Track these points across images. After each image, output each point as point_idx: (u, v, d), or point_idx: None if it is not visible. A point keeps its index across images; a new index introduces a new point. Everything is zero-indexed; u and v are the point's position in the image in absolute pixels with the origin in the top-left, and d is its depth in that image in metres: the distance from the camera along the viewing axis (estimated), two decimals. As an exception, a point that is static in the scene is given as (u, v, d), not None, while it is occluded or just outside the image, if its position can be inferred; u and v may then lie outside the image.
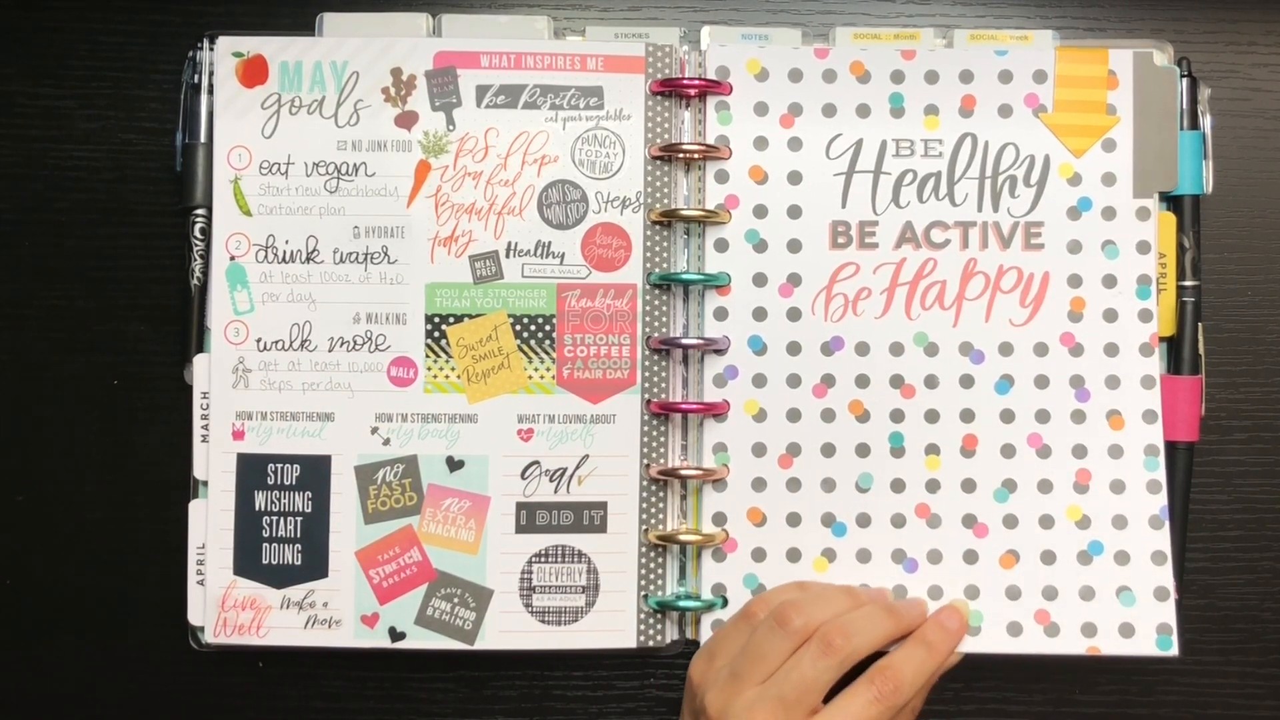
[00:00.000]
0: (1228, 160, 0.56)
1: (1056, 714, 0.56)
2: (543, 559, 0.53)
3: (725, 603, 0.53)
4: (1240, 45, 0.57)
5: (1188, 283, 0.54)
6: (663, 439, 0.54)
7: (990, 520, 0.53)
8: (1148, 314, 0.54)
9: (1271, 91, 0.57)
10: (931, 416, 0.54)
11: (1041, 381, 0.54)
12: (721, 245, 0.54)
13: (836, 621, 0.49)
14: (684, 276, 0.54)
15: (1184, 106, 0.54)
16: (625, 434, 0.54)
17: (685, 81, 0.54)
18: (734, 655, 0.49)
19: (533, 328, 0.54)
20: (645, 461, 0.54)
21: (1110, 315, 0.54)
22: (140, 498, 0.56)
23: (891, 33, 0.55)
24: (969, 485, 0.53)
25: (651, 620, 0.54)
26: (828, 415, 0.54)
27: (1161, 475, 0.53)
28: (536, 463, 0.54)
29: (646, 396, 0.54)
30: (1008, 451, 0.53)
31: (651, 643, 0.53)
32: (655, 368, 0.54)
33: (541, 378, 0.54)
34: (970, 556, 0.53)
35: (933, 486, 0.53)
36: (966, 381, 0.54)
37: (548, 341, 0.54)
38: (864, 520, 0.53)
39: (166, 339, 0.56)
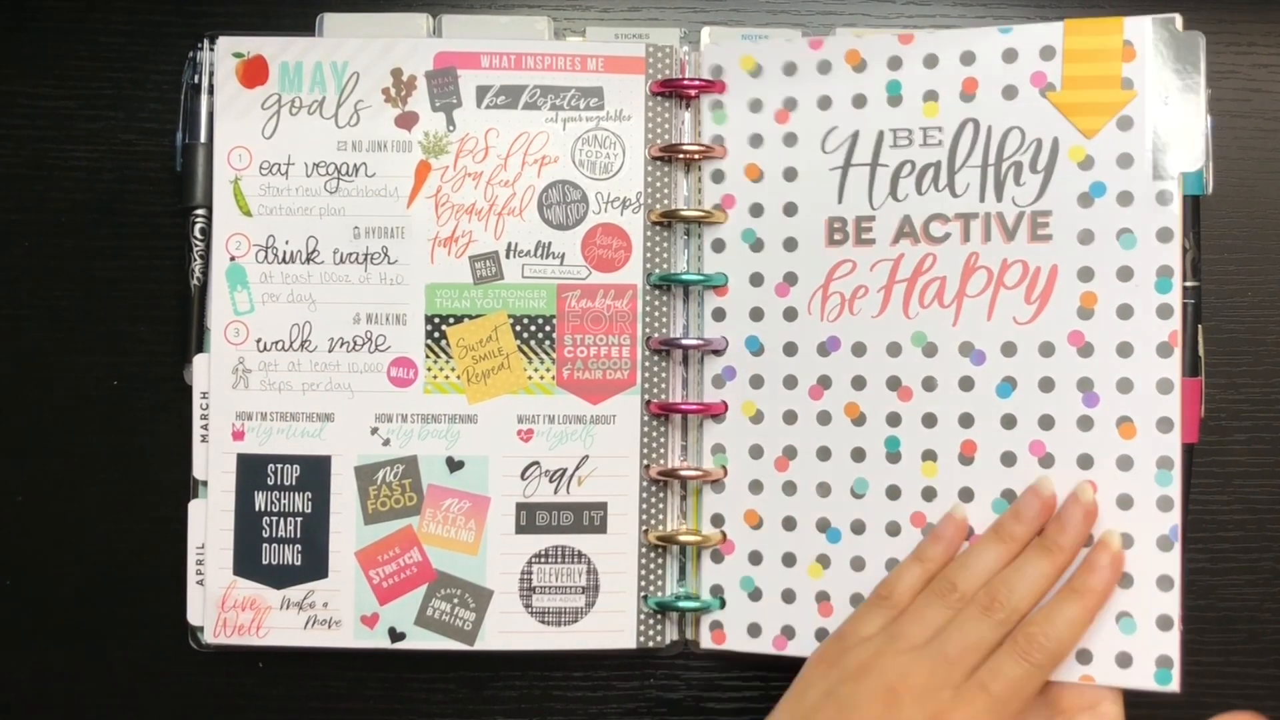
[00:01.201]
0: (1228, 160, 0.56)
1: (1056, 714, 0.56)
2: (542, 559, 0.53)
3: (723, 604, 0.53)
4: (1240, 45, 0.57)
5: (1188, 283, 0.54)
6: (663, 440, 0.54)
7: None
8: (1167, 309, 0.50)
9: (1271, 92, 0.57)
10: (929, 420, 0.52)
11: (1046, 384, 0.50)
12: (719, 245, 0.54)
13: (1000, 578, 0.48)
14: (682, 277, 0.54)
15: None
16: (625, 434, 0.54)
17: (685, 82, 0.54)
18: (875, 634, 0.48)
19: (533, 328, 0.54)
20: (645, 462, 0.54)
21: (1125, 311, 0.50)
22: (140, 498, 0.56)
23: (892, 33, 0.55)
24: (967, 494, 0.51)
25: (651, 621, 0.54)
26: (824, 418, 0.53)
27: (1174, 491, 0.49)
28: (536, 463, 0.54)
29: (646, 397, 0.54)
30: (1008, 459, 0.51)
31: (651, 643, 0.53)
32: (655, 368, 0.54)
33: (541, 378, 0.54)
34: None
35: (929, 494, 0.52)
36: (966, 384, 0.51)
37: (548, 342, 0.54)
38: (858, 527, 0.52)
39: (166, 339, 0.56)
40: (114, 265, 0.56)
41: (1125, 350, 0.50)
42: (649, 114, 0.54)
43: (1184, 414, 0.52)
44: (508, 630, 0.53)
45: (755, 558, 0.53)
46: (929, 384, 0.52)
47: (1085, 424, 0.50)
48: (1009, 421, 0.51)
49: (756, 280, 0.53)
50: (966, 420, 0.51)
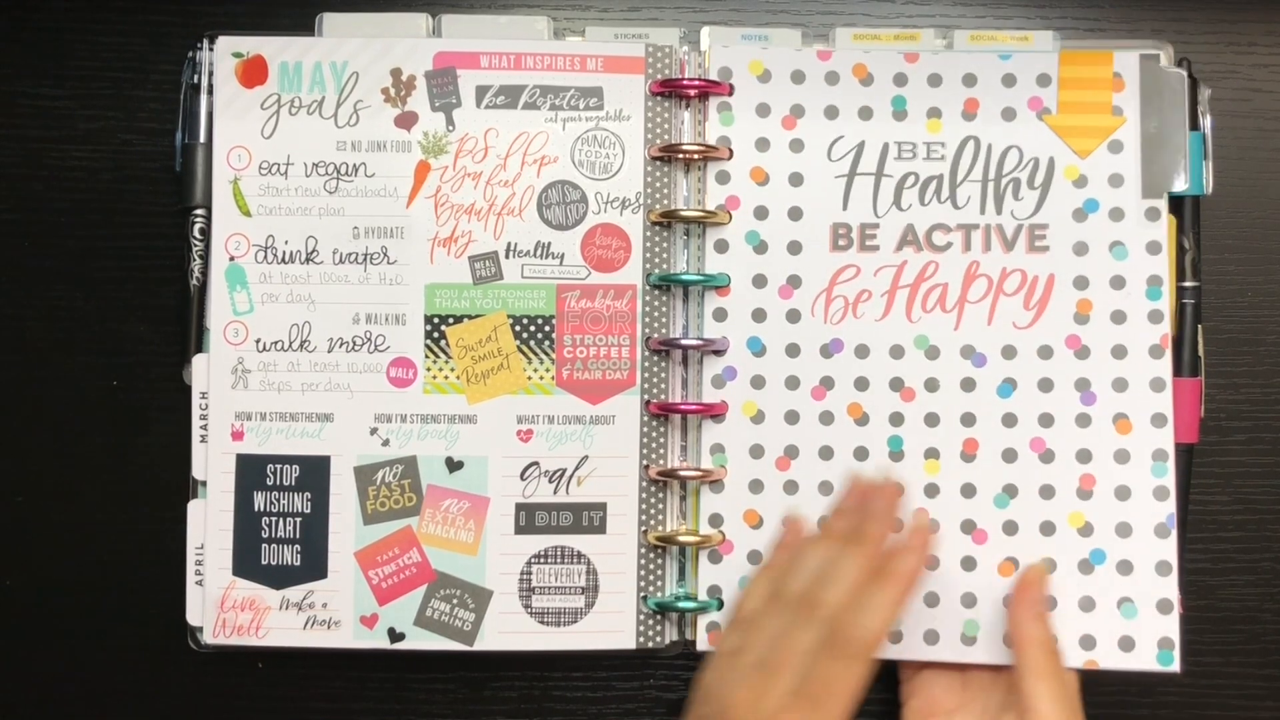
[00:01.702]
0: (1228, 160, 0.56)
1: (1056, 715, 0.56)
2: (542, 560, 0.53)
3: (720, 605, 0.53)
4: (1240, 45, 0.57)
5: (1187, 284, 0.54)
6: (662, 440, 0.54)
7: (989, 526, 0.53)
8: (1158, 315, 0.53)
9: (1271, 92, 0.57)
10: (931, 420, 0.53)
11: (1045, 385, 0.53)
12: (721, 246, 0.54)
13: (815, 577, 0.48)
14: (683, 277, 0.53)
15: (1185, 107, 0.54)
16: (624, 435, 0.54)
17: (685, 82, 0.54)
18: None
19: (532, 328, 0.54)
20: (644, 462, 0.54)
21: (1118, 317, 0.53)
22: (140, 498, 0.56)
23: (891, 33, 0.55)
24: (969, 490, 0.53)
25: (651, 621, 0.53)
26: (826, 418, 0.53)
27: (1170, 481, 0.52)
28: (536, 463, 0.54)
29: (646, 397, 0.54)
30: (1009, 456, 0.53)
31: (651, 644, 0.53)
32: (655, 368, 0.54)
33: (541, 378, 0.54)
34: (968, 563, 0.53)
35: (931, 491, 0.53)
36: (968, 385, 0.53)
37: (547, 342, 0.54)
38: None
39: (166, 339, 0.56)
40: (114, 265, 0.56)
41: (1119, 352, 0.53)
42: (648, 114, 0.54)
43: (1184, 414, 0.53)
44: (507, 630, 0.53)
45: (755, 557, 0.53)
46: (931, 385, 0.53)
47: (1083, 421, 0.53)
48: (1010, 420, 0.53)
49: (760, 282, 0.54)
50: (968, 419, 0.53)
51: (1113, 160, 0.53)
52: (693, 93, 0.54)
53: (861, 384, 0.53)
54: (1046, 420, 0.53)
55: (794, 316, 0.54)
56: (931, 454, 0.53)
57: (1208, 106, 0.54)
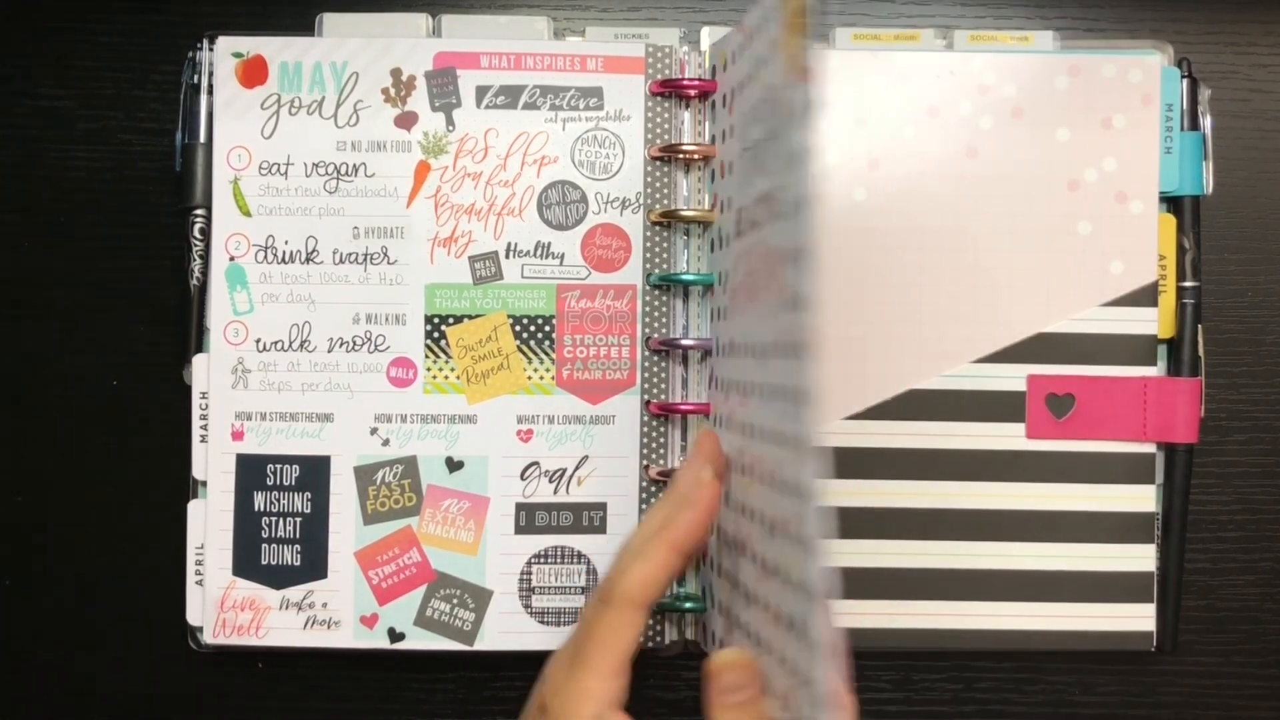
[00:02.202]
0: (1228, 161, 0.56)
1: (1056, 715, 0.56)
2: (542, 560, 0.53)
3: (704, 608, 0.53)
4: (1240, 46, 0.57)
5: (1188, 284, 0.54)
6: (662, 440, 0.54)
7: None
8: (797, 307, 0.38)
9: (1271, 92, 0.57)
10: (748, 431, 0.45)
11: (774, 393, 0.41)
12: (715, 245, 0.54)
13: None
14: (680, 277, 0.53)
15: (1185, 107, 0.54)
16: (625, 435, 0.54)
17: (685, 82, 0.54)
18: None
19: (532, 328, 0.54)
20: (645, 462, 0.54)
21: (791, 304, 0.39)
22: (139, 498, 0.56)
23: (892, 33, 0.55)
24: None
25: (651, 621, 0.53)
26: (718, 421, 0.49)
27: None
28: (536, 463, 0.54)
29: (646, 397, 0.54)
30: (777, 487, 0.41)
31: (651, 644, 0.53)
32: (655, 369, 0.54)
33: (541, 378, 0.54)
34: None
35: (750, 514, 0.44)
36: (747, 390, 0.45)
37: (547, 342, 0.54)
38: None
39: (166, 339, 0.56)
40: (114, 265, 0.56)
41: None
42: (648, 114, 0.54)
43: (1183, 414, 0.52)
44: (507, 630, 0.53)
45: (714, 565, 0.51)
46: (746, 389, 0.45)
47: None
48: (764, 435, 0.42)
49: (721, 279, 0.51)
50: (748, 432, 0.44)
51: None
52: (692, 93, 0.54)
53: (725, 386, 0.48)
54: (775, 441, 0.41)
55: (719, 315, 0.51)
56: (748, 471, 0.44)
57: (1208, 107, 0.54)
